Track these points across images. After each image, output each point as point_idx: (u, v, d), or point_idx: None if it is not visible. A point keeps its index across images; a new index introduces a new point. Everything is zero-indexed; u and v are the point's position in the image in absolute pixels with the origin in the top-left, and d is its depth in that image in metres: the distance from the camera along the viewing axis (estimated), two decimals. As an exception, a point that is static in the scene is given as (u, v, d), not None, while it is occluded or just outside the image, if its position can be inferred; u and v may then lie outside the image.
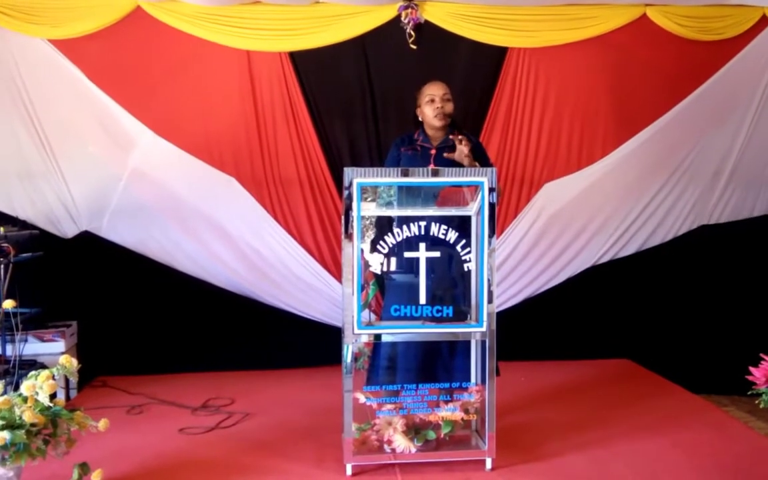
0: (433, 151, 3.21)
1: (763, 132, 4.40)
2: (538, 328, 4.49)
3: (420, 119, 3.29)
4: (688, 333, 4.50)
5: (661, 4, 4.20)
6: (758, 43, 4.28)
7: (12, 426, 2.27)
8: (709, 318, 4.49)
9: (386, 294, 3.00)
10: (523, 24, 4.20)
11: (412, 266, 2.80)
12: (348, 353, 2.72)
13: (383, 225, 2.89)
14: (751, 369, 2.46)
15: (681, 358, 4.38)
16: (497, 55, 4.28)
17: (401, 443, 2.76)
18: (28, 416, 2.28)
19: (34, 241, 3.85)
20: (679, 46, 4.28)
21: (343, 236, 2.72)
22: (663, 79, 4.33)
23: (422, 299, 2.77)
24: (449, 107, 3.21)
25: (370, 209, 2.83)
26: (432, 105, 3.19)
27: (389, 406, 2.79)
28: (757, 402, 2.45)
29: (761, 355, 2.48)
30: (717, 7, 4.22)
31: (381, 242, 2.77)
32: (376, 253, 2.79)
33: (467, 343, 2.98)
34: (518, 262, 4.41)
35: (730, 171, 4.45)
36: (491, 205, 2.72)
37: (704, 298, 4.51)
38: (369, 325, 2.78)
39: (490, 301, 2.75)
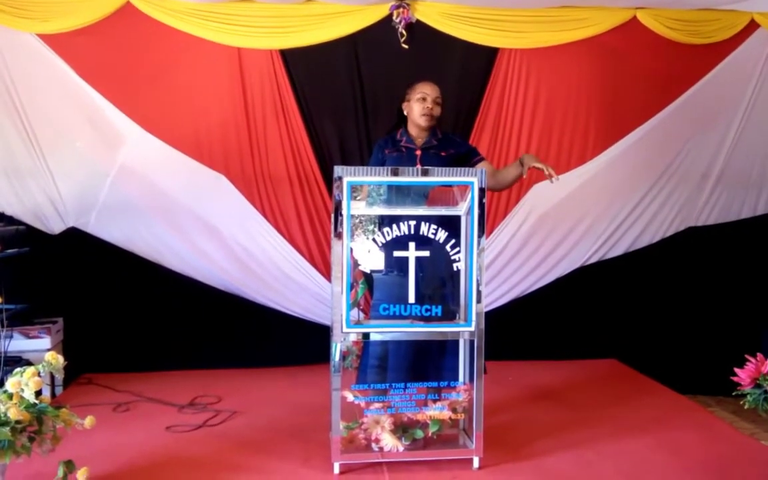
0: (418, 152, 3.20)
1: (750, 135, 4.44)
2: (527, 328, 4.51)
3: (405, 114, 3.27)
4: (674, 334, 4.54)
5: (652, 7, 4.23)
6: (747, 47, 4.32)
7: (-3, 423, 2.26)
8: (696, 319, 4.53)
9: (375, 293, 3.00)
10: (514, 25, 4.21)
11: (401, 265, 2.80)
12: (336, 352, 2.72)
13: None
14: (736, 370, 2.48)
15: (667, 359, 4.42)
16: (488, 55, 4.29)
17: (389, 442, 2.76)
18: (13, 413, 2.26)
19: (21, 237, 3.83)
20: (669, 49, 4.31)
21: (332, 235, 2.72)
22: (652, 82, 4.36)
23: (411, 298, 2.77)
24: (438, 111, 3.19)
25: (360, 208, 2.83)
26: (422, 103, 3.17)
27: (377, 405, 2.79)
28: (741, 403, 2.48)
29: (746, 356, 2.50)
30: (706, 11, 4.25)
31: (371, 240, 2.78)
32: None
33: (457, 343, 2.99)
34: (507, 262, 4.42)
35: (717, 173, 4.49)
36: (481, 205, 2.72)
37: (691, 300, 4.55)
38: (358, 323, 2.78)
39: (478, 300, 2.75)
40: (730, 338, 4.15)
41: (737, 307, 4.49)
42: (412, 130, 3.25)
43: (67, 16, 3.92)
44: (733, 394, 2.51)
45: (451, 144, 3.26)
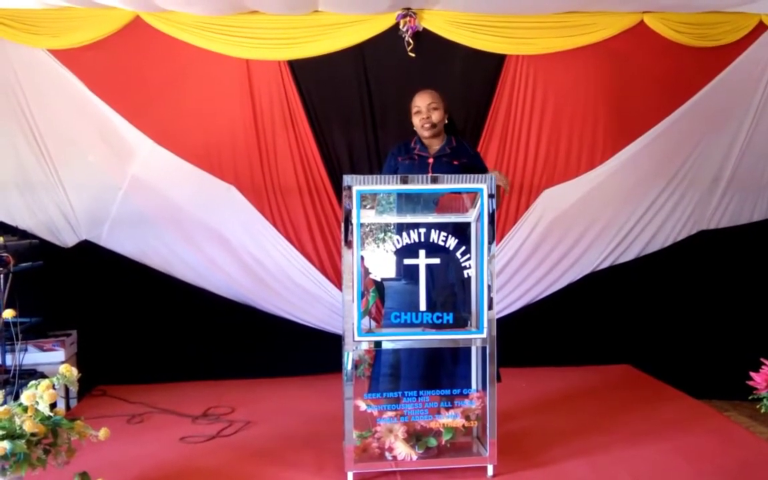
0: (430, 160, 3.22)
1: (761, 137, 4.41)
2: (539, 334, 4.49)
3: (415, 128, 3.31)
4: (688, 338, 4.50)
5: (659, 11, 4.22)
6: (755, 49, 4.30)
7: (12, 436, 2.26)
8: (710, 323, 4.49)
9: (386, 301, 3.00)
10: (521, 31, 4.21)
11: (412, 273, 2.80)
12: (348, 360, 2.72)
13: None
14: (752, 374, 2.46)
15: (682, 364, 4.38)
16: (495, 62, 4.30)
17: (402, 450, 2.75)
18: (28, 426, 2.27)
19: (34, 250, 3.85)
20: (677, 53, 4.30)
21: (343, 243, 2.73)
22: (661, 86, 4.35)
23: (422, 306, 2.77)
24: (436, 116, 3.22)
25: (370, 217, 2.83)
26: (418, 116, 3.23)
27: (390, 414, 2.79)
28: (758, 407, 2.45)
29: (762, 359, 2.48)
30: (714, 14, 4.24)
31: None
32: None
33: (470, 350, 2.98)
34: (518, 268, 4.41)
35: (728, 176, 4.47)
36: (490, 212, 2.72)
37: (704, 303, 4.51)
38: (369, 332, 2.77)
39: (490, 307, 2.75)
40: (745, 342, 4.10)
41: (752, 310, 4.45)
42: (424, 139, 3.28)
43: (77, 31, 3.97)
44: (749, 398, 2.48)
45: (464, 153, 3.28)
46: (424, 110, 3.21)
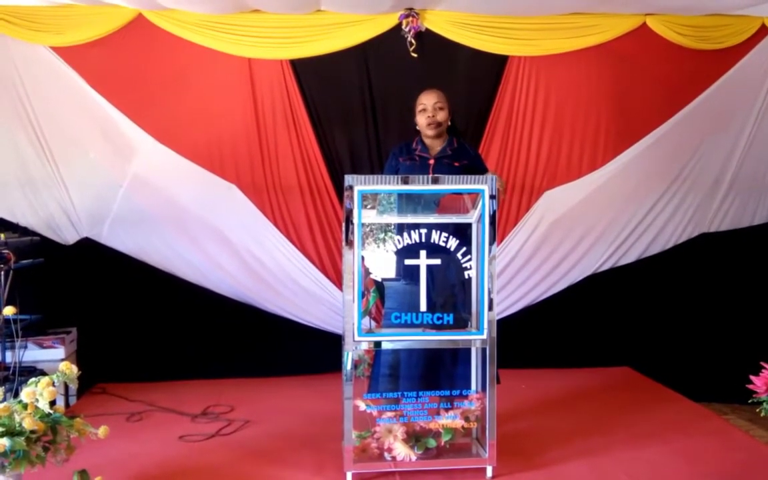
0: (431, 161, 3.22)
1: (763, 140, 4.41)
2: (539, 336, 4.48)
3: (418, 128, 3.30)
4: (688, 341, 4.50)
5: (662, 13, 4.22)
6: (758, 52, 4.30)
7: (12, 433, 2.26)
8: (710, 326, 4.49)
9: (386, 301, 3.00)
10: (523, 33, 4.21)
11: (412, 273, 2.80)
12: (348, 360, 2.72)
13: None
14: (752, 377, 2.46)
15: (682, 366, 4.38)
16: (498, 63, 4.30)
17: (401, 451, 2.75)
18: (27, 423, 2.27)
19: (35, 247, 3.86)
20: (679, 55, 4.30)
21: (343, 243, 2.73)
22: (663, 88, 4.35)
23: (423, 306, 2.77)
24: (441, 116, 3.21)
25: (371, 217, 2.83)
26: (424, 114, 3.21)
27: (389, 414, 2.79)
28: (757, 410, 2.45)
29: (761, 363, 2.48)
30: (717, 17, 4.24)
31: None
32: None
33: (469, 351, 2.98)
34: (519, 269, 4.41)
35: (730, 179, 4.47)
36: (492, 213, 2.72)
37: (705, 307, 4.51)
38: (369, 332, 2.77)
39: (490, 308, 2.75)
40: (745, 345, 4.10)
41: (752, 314, 4.44)
42: (426, 139, 3.27)
43: (80, 28, 3.97)
44: (749, 401, 2.48)
45: (465, 155, 3.27)
46: (430, 109, 3.19)
